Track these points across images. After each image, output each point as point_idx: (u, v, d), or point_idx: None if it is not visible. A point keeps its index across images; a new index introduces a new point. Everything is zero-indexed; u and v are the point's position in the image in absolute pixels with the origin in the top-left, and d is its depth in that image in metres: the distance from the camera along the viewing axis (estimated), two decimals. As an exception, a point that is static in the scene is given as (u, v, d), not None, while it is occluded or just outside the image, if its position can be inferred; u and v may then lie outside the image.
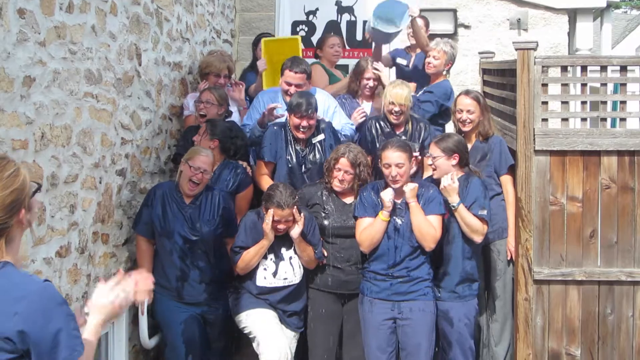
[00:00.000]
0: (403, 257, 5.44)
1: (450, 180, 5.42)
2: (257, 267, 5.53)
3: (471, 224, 5.45)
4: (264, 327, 5.46)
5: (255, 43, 7.92)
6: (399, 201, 5.46)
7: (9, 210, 2.47)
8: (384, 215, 5.40)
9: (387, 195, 5.40)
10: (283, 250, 5.55)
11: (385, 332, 5.44)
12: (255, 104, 6.80)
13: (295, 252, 5.55)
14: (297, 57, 6.78)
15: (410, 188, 5.40)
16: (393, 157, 5.43)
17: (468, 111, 6.12)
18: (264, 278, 5.53)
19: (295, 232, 5.43)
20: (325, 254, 5.67)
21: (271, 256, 5.53)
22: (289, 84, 6.48)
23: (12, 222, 2.50)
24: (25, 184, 2.55)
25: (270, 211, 5.34)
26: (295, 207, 5.38)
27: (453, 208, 5.44)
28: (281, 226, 5.39)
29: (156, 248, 5.72)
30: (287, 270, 5.54)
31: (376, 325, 5.44)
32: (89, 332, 2.68)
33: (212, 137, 6.00)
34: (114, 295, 2.78)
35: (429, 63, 7.13)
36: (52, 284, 2.50)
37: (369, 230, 5.45)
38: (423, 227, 5.39)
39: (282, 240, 5.51)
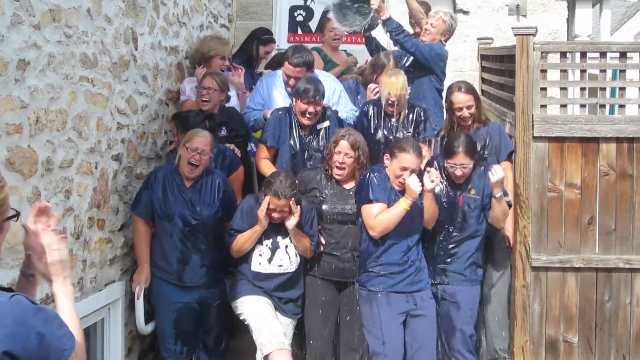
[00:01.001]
0: (412, 245, 5.41)
1: (502, 173, 5.38)
2: (253, 251, 5.50)
3: (502, 210, 5.51)
4: (257, 316, 5.44)
5: (256, 37, 7.85)
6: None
7: None
8: (407, 203, 5.24)
9: (416, 183, 5.23)
10: (279, 238, 5.52)
11: (401, 325, 5.39)
12: (258, 87, 6.78)
13: (292, 241, 5.53)
14: (299, 46, 6.67)
15: (436, 175, 5.30)
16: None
17: (468, 107, 6.00)
18: (259, 264, 5.51)
19: (290, 223, 5.39)
20: (324, 241, 5.64)
21: (267, 242, 5.51)
22: (288, 77, 6.43)
23: None
24: (4, 201, 2.43)
25: (267, 198, 5.32)
26: (292, 198, 5.34)
27: (496, 197, 5.41)
28: (276, 215, 5.37)
29: (155, 231, 5.70)
30: (283, 258, 5.51)
31: (394, 319, 5.35)
32: (63, 302, 2.54)
33: (184, 131, 5.86)
34: (53, 255, 2.56)
35: (425, 30, 7.03)
36: (20, 297, 2.38)
37: (386, 216, 5.28)
38: (434, 210, 5.44)
39: (280, 228, 5.48)
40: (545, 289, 5.90)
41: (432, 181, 5.24)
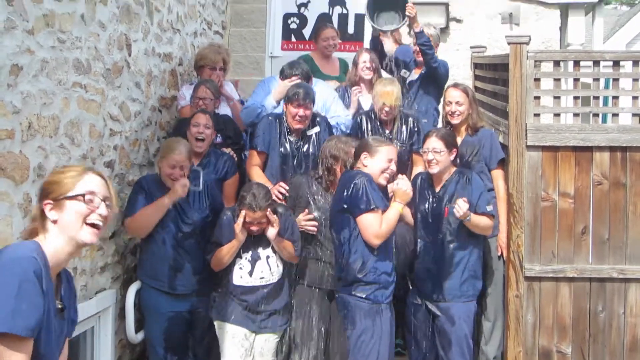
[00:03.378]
0: (392, 253, 5.32)
1: (465, 204, 5.30)
2: (233, 265, 5.44)
3: (483, 225, 5.46)
4: (228, 352, 5.44)
5: None
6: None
7: (38, 194, 2.74)
8: (400, 206, 5.16)
9: (409, 186, 5.22)
10: (260, 249, 5.45)
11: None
12: (260, 86, 6.74)
13: (274, 251, 5.46)
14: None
15: (405, 180, 5.28)
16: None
17: (457, 103, 6.07)
18: (240, 277, 5.43)
19: (271, 233, 5.32)
20: (315, 228, 5.59)
21: (247, 255, 5.44)
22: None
23: (39, 206, 2.69)
24: (66, 181, 2.69)
25: (242, 212, 5.25)
26: (268, 209, 5.27)
27: (467, 221, 5.36)
28: (254, 228, 5.29)
29: (145, 240, 5.64)
30: (264, 270, 5.44)
31: (389, 333, 5.17)
32: None
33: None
34: None
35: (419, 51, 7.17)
36: (32, 261, 2.47)
37: (388, 223, 5.07)
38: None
39: (259, 239, 5.42)
40: (539, 299, 5.87)
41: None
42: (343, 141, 5.61)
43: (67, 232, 2.65)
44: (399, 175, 5.33)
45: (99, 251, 5.42)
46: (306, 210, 5.64)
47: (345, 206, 5.12)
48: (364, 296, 5.10)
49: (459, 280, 5.50)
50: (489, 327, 6.04)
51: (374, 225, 5.03)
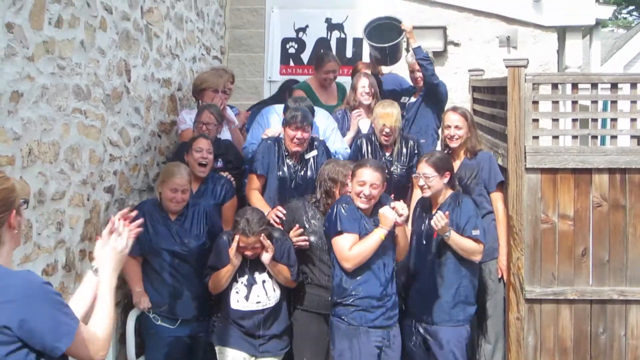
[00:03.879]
0: (389, 278, 5.24)
1: (443, 218, 5.26)
2: (230, 289, 5.42)
3: (466, 247, 5.39)
4: None
5: (288, 87, 7.97)
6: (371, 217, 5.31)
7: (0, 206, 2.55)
8: (383, 232, 5.09)
9: (391, 212, 5.12)
10: (256, 274, 5.41)
11: None
12: (259, 121, 6.76)
13: (270, 276, 5.43)
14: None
15: (402, 207, 5.19)
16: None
17: (456, 127, 6.09)
18: (237, 301, 5.40)
19: (265, 258, 5.29)
20: (307, 243, 5.55)
21: (243, 279, 5.41)
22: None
23: (4, 221, 2.55)
24: (14, 187, 2.62)
25: (236, 237, 5.22)
26: (262, 234, 5.23)
27: (446, 237, 5.34)
28: (248, 252, 5.27)
29: (145, 265, 5.63)
30: (260, 294, 5.40)
31: (373, 356, 5.13)
32: (103, 289, 2.88)
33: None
34: (112, 242, 2.97)
35: (417, 78, 7.29)
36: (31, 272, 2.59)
37: (361, 247, 5.09)
38: (406, 241, 5.39)
39: (255, 263, 5.38)
40: (540, 321, 5.85)
41: (401, 215, 5.14)
42: (341, 164, 5.62)
43: (18, 239, 2.71)
44: (393, 202, 5.30)
45: (99, 277, 5.41)
46: (297, 225, 5.62)
47: (324, 229, 5.35)
48: (343, 318, 5.17)
49: (449, 304, 5.46)
50: (489, 350, 6.02)
51: (342, 249, 5.13)
